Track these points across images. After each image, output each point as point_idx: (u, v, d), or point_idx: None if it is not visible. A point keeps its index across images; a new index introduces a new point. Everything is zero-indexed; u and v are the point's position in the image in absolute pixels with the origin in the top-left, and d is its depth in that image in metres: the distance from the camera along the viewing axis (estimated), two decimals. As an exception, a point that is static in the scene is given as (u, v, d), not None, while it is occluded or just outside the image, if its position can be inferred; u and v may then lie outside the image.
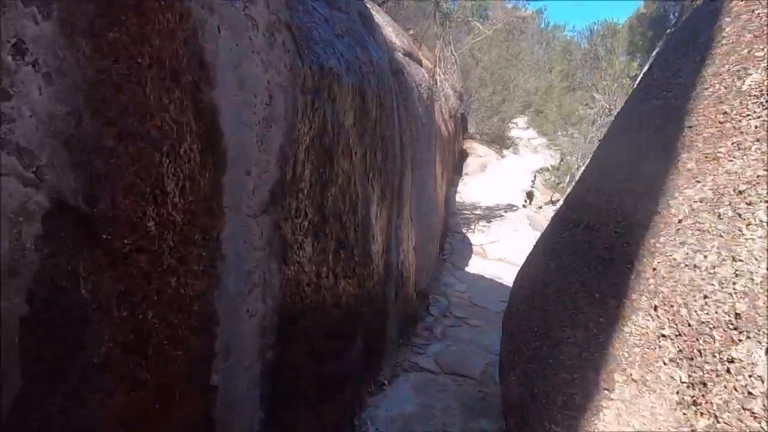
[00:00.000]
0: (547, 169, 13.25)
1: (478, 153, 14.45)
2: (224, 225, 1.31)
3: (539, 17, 16.92)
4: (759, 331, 0.93)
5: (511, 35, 14.72)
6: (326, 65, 2.03)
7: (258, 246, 1.56)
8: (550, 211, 11.08)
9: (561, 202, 11.12)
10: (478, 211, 9.63)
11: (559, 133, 11.83)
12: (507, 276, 6.68)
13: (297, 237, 1.90)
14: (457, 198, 10.39)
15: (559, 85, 13.64)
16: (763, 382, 0.90)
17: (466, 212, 9.58)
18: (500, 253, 7.68)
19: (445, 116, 8.38)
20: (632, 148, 1.65)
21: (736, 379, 0.94)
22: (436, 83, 6.10)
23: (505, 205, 10.04)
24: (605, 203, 1.55)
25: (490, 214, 9.48)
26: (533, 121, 16.61)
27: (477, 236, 8.31)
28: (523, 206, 10.44)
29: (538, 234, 9.14)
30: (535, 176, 12.70)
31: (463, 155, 13.62)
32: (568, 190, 11.11)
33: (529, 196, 11.33)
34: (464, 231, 8.47)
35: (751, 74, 1.22)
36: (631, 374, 1.22)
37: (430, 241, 5.54)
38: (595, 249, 1.51)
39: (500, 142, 15.60)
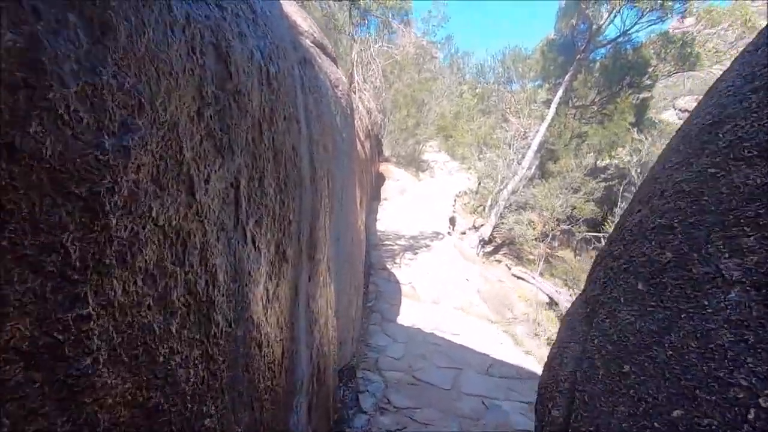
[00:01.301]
0: (466, 193, 12.92)
1: (395, 176, 13.73)
2: None
3: (449, 43, 17.18)
4: None
5: (422, 59, 14.57)
6: None
7: None
8: (474, 238, 10.51)
9: (486, 227, 10.49)
10: (402, 242, 8.57)
11: (476, 156, 11.54)
12: (447, 325, 5.59)
13: None
14: (378, 226, 9.25)
15: (472, 109, 13.62)
16: None
17: (389, 243, 8.45)
18: (433, 292, 6.63)
19: (361, 135, 7.26)
20: None
21: None
22: (355, 92, 4.93)
23: (431, 233, 9.16)
24: None
25: (416, 244, 8.48)
26: (443, 144, 16.52)
27: (404, 271, 7.19)
28: (449, 233, 9.69)
29: (468, 264, 8.24)
30: (455, 200, 12.20)
31: (381, 179, 12.70)
32: (491, 215, 10.69)
33: (452, 221, 10.68)
34: (389, 267, 7.29)
35: None
36: None
37: (354, 294, 4.20)
38: None
39: (416, 165, 15.24)
